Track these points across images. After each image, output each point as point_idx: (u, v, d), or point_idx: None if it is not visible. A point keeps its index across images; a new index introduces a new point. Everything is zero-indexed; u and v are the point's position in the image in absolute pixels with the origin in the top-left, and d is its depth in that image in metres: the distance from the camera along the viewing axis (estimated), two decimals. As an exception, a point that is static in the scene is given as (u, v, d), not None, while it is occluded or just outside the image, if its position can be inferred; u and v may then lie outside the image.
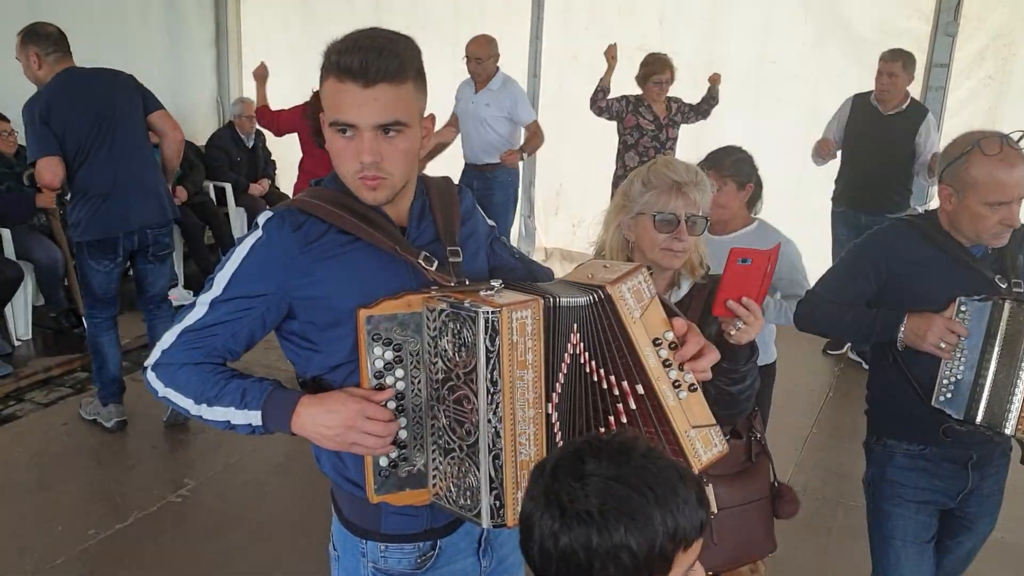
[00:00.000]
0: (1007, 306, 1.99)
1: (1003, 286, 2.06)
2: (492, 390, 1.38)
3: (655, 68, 5.20)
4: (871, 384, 2.33)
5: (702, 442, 1.53)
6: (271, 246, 1.46)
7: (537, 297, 1.41)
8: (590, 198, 6.14)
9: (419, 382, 1.47)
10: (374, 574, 1.59)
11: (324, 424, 1.42)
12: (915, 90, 5.12)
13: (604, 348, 1.47)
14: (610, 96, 5.32)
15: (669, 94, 5.32)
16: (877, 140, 4.93)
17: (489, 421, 1.39)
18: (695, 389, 1.53)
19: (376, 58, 1.37)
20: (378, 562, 1.58)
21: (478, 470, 1.42)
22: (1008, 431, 2.00)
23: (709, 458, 1.54)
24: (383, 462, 1.47)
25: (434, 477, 1.49)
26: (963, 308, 2.02)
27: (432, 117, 1.53)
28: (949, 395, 2.02)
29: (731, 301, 1.73)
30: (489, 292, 1.41)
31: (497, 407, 1.39)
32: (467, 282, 1.50)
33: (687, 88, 5.50)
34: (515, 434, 1.41)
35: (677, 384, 1.50)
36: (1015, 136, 2.01)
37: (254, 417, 1.45)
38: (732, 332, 1.76)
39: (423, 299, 1.44)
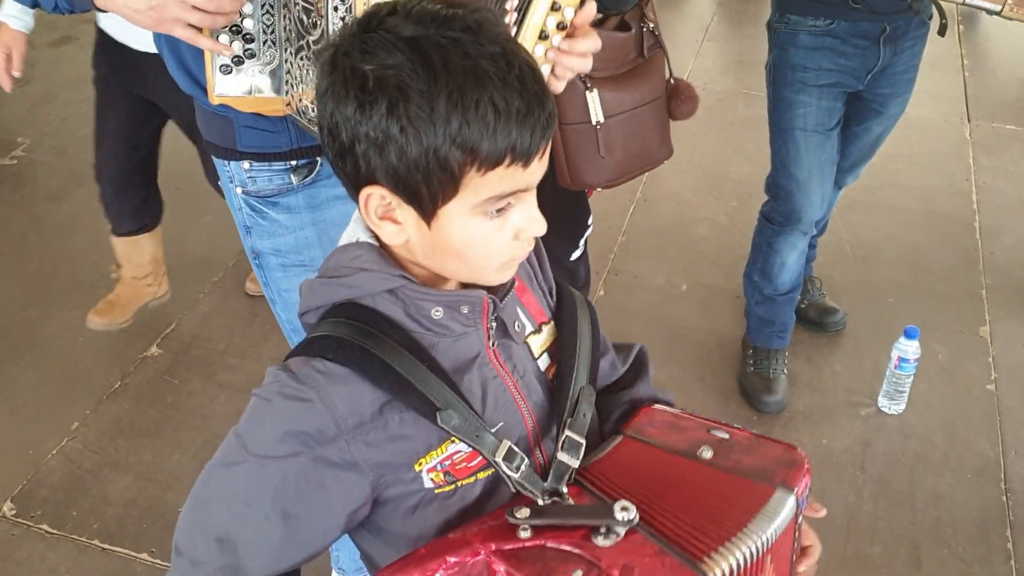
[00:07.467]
0: None
1: None
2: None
3: None
4: None
5: None
6: None
7: None
8: None
9: None
10: (245, 200, 1.34)
11: None
12: None
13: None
14: None
15: None
16: None
17: (336, 9, 1.06)
18: None
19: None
20: (246, 184, 1.33)
21: None
22: None
23: None
24: (225, 58, 1.16)
25: (287, 83, 1.19)
26: None
27: None
28: None
29: None
30: None
31: (342, -11, 1.05)
32: None
33: None
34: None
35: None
36: None
37: None
38: None
39: None
